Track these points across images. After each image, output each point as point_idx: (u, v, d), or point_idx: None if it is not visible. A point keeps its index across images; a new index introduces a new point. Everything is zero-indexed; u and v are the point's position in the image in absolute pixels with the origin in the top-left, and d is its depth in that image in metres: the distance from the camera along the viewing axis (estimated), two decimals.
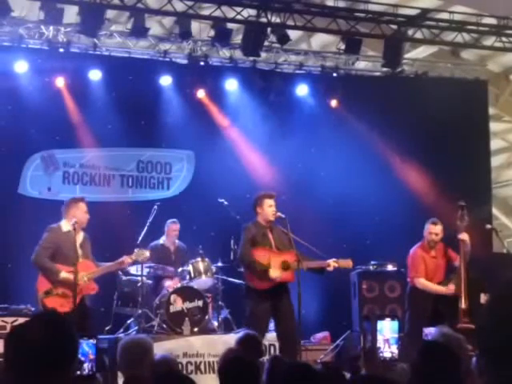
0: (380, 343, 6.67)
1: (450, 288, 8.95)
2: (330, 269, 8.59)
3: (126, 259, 8.47)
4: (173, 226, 10.46)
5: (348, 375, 4.97)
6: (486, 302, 1.65)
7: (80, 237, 8.31)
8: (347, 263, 8.83)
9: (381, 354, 6.62)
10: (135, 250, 8.67)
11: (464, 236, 8.96)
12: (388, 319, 6.96)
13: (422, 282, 9.08)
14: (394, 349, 6.73)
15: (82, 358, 5.33)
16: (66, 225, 8.27)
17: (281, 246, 8.59)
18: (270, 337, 8.88)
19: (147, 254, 8.77)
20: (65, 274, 8.08)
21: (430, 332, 7.00)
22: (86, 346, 5.38)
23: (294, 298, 8.36)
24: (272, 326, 8.90)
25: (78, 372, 5.27)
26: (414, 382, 3.92)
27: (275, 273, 8.39)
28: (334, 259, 8.60)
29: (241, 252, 8.59)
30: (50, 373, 2.26)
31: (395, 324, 6.85)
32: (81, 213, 8.30)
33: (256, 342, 6.15)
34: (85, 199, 8.56)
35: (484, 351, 1.56)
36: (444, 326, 6.54)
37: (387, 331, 6.73)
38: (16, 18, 10.63)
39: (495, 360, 1.52)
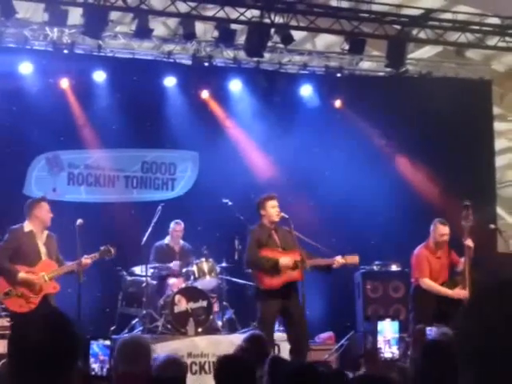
0: (380, 344, 6.67)
1: (457, 292, 8.90)
2: (337, 266, 8.58)
3: (85, 260, 8.41)
4: (176, 227, 10.49)
5: (350, 375, 4.99)
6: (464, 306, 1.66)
7: (44, 236, 8.45)
8: (354, 259, 8.81)
9: (381, 355, 6.63)
10: (100, 248, 8.66)
11: (469, 242, 8.96)
12: (388, 320, 6.96)
13: (427, 283, 9.05)
14: (395, 349, 6.74)
15: (92, 359, 5.32)
16: (28, 225, 8.42)
17: (286, 247, 8.60)
18: (275, 336, 8.88)
19: (112, 251, 8.72)
20: (23, 275, 8.17)
21: (430, 331, 7.01)
22: (97, 347, 5.36)
23: (299, 298, 8.37)
24: (278, 326, 8.92)
25: (93, 373, 5.26)
26: (417, 381, 3.92)
27: (285, 260, 8.36)
28: (341, 256, 8.61)
29: (247, 254, 8.60)
30: (51, 373, 2.27)
31: (395, 324, 6.86)
32: (44, 212, 8.44)
33: (262, 341, 6.17)
34: (46, 199, 8.69)
35: (462, 353, 1.56)
36: (443, 325, 6.54)
37: (388, 332, 6.73)
38: (20, 20, 10.66)
39: (473, 361, 1.52)
